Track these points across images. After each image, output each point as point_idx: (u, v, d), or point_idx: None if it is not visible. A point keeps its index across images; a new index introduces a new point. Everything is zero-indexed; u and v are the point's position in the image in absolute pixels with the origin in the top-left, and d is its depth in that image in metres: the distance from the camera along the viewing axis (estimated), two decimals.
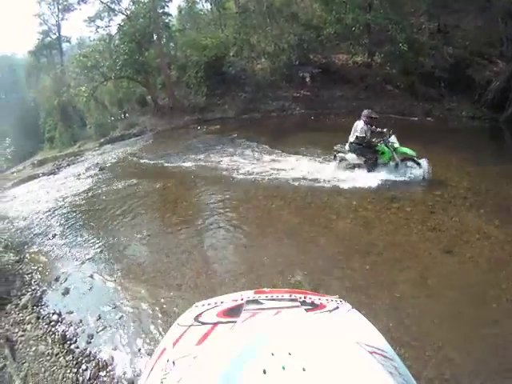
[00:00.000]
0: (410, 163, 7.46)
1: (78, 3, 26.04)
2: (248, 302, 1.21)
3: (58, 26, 29.82)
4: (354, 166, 8.06)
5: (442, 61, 13.85)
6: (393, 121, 12.62)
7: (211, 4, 24.98)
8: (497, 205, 6.05)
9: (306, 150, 9.89)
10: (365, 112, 7.54)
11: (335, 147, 8.23)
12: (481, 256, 4.72)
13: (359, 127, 7.45)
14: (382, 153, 7.64)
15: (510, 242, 4.93)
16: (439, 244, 5.07)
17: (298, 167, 8.80)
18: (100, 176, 12.00)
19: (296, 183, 7.86)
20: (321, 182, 7.76)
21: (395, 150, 7.48)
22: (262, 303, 1.20)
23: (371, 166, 7.75)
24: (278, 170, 8.86)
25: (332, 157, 8.41)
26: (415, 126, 12.28)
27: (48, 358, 4.08)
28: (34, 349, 4.28)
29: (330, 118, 14.14)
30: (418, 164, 7.32)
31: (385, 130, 7.60)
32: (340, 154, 8.18)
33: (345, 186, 7.37)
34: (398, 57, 14.10)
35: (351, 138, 7.70)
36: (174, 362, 0.93)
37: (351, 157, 7.95)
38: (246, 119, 16.35)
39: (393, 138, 7.51)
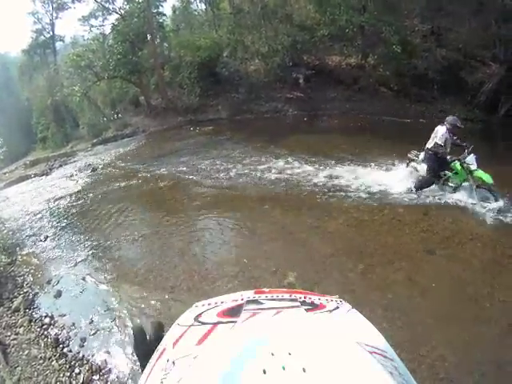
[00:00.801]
0: (483, 192, 6.20)
1: (73, 2, 26.08)
2: (248, 301, 1.21)
3: (52, 25, 29.58)
4: None
5: (434, 63, 13.93)
6: (385, 122, 12.70)
7: (205, 4, 25.02)
8: None
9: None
10: (450, 118, 6.42)
11: (409, 154, 7.40)
12: (474, 256, 4.75)
13: (440, 133, 6.32)
14: (456, 172, 6.49)
15: (503, 243, 4.96)
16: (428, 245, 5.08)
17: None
18: (92, 177, 11.87)
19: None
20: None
21: (471, 172, 6.25)
22: (262, 303, 1.20)
23: (426, 182, 6.66)
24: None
25: (405, 164, 7.60)
26: (408, 127, 12.25)
27: (41, 361, 4.03)
28: (26, 352, 4.22)
29: (323, 119, 14.13)
30: (495, 196, 6.01)
31: (465, 143, 6.43)
32: (413, 164, 7.30)
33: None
34: (392, 58, 14.14)
35: (429, 145, 6.54)
36: (174, 362, 0.93)
37: (423, 168, 6.91)
38: (239, 120, 16.27)
39: (471, 158, 6.25)
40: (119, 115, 22.75)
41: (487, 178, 6.00)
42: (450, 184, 6.62)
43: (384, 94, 14.77)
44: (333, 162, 8.78)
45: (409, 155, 7.43)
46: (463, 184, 6.49)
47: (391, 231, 5.62)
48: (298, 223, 6.18)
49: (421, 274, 4.48)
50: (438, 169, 6.56)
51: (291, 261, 5.03)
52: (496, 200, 5.95)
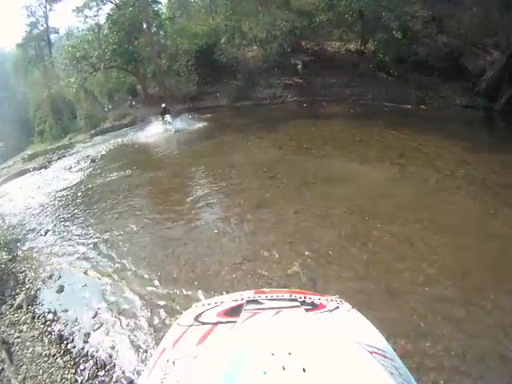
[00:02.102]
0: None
1: None
2: (248, 301, 1.21)
3: (46, 17, 29.08)
4: None
5: (435, 49, 13.86)
6: (386, 108, 12.58)
7: None
8: (493, 194, 6.00)
9: None
10: None
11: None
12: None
13: None
14: None
15: (506, 231, 4.87)
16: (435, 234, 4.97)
17: None
18: (91, 168, 11.76)
19: None
20: None
21: None
22: (262, 303, 1.20)
23: None
24: None
25: None
26: (409, 113, 12.18)
27: (45, 359, 3.99)
28: (30, 350, 4.18)
29: (322, 105, 13.96)
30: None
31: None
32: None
33: None
34: (392, 44, 13.97)
35: None
36: (174, 362, 0.93)
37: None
38: (238, 107, 16.12)
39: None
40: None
41: None
42: None
43: (384, 80, 14.60)
44: None
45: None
46: None
47: None
48: None
49: None
50: None
51: None
52: None
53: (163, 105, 14.40)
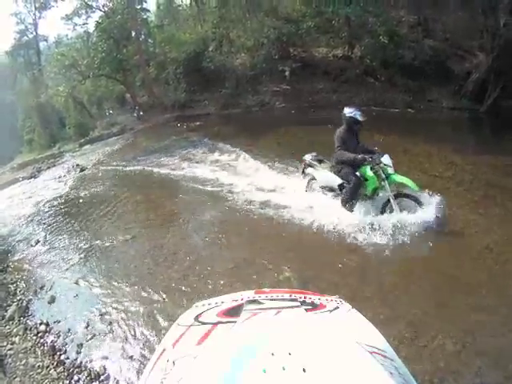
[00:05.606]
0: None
1: (55, 0, 25.67)
2: (248, 301, 1.22)
3: (35, 25, 29.19)
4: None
5: (421, 53, 13.95)
6: (374, 113, 12.64)
7: None
8: (481, 195, 6.01)
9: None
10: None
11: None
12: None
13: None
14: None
15: (495, 230, 4.86)
16: None
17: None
18: (81, 178, 11.61)
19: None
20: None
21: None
22: (262, 303, 1.21)
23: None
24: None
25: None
26: (396, 117, 12.26)
27: (39, 370, 3.91)
28: (23, 362, 4.10)
29: (310, 112, 13.98)
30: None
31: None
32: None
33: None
34: (378, 49, 14.13)
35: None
36: (174, 362, 0.93)
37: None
38: (227, 115, 16.06)
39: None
40: (110, 112, 22.37)
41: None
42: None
43: (371, 85, 14.67)
44: None
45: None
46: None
47: None
48: None
49: None
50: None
51: None
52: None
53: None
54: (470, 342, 3.17)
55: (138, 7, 20.45)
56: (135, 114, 19.05)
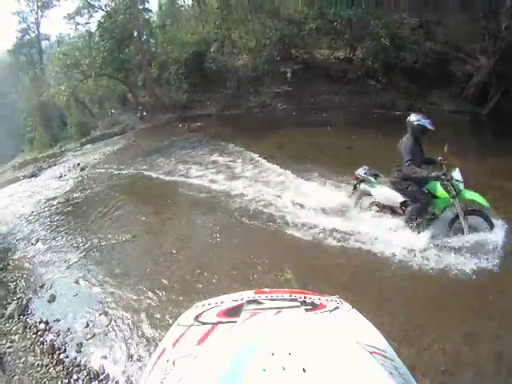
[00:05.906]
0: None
1: None
2: (248, 301, 1.22)
3: (37, 24, 29.15)
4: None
5: (423, 56, 13.94)
6: (375, 115, 12.65)
7: None
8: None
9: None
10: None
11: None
12: None
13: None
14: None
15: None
16: None
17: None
18: (82, 177, 11.69)
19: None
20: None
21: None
22: (262, 303, 1.20)
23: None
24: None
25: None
26: (398, 120, 12.17)
27: (38, 369, 3.96)
28: (23, 360, 4.15)
29: (311, 113, 13.98)
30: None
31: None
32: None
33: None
34: (380, 51, 14.11)
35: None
36: (174, 362, 0.93)
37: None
38: (228, 116, 16.10)
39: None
40: (112, 111, 22.34)
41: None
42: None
43: (373, 87, 14.71)
44: None
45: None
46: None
47: None
48: None
49: None
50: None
51: None
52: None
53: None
54: None
55: (140, 7, 20.43)
56: (138, 114, 19.04)
